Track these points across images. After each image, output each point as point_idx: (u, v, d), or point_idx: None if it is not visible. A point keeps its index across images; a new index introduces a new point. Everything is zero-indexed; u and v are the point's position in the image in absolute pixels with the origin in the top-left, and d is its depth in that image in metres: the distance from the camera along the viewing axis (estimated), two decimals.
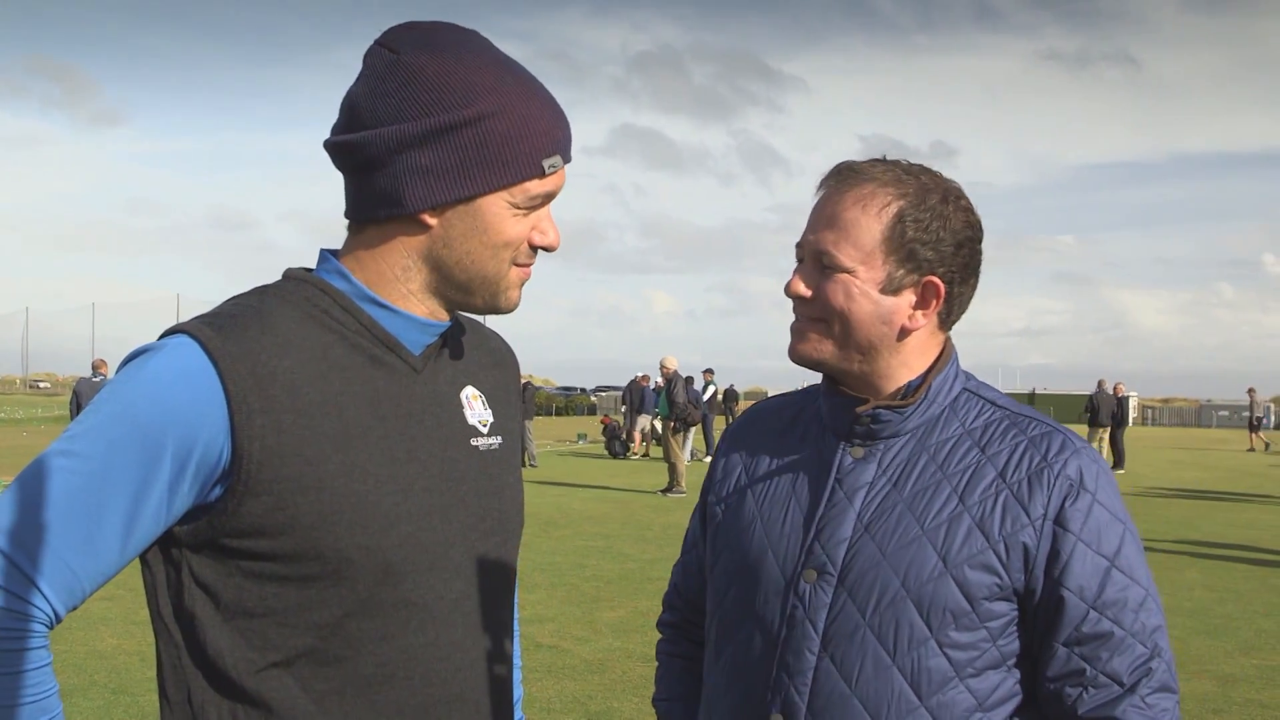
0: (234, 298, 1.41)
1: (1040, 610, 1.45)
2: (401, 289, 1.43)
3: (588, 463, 25.35)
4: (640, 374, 26.94)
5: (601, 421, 29.84)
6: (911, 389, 1.54)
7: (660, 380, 18.93)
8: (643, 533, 13.02)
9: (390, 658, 1.37)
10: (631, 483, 18.24)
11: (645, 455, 26.94)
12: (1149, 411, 71.49)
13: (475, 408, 1.54)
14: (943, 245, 1.50)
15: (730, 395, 42.70)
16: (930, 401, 1.54)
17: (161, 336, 1.33)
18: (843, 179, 1.54)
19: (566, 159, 1.44)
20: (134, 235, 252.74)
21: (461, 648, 1.44)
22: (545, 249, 1.47)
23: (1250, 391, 36.78)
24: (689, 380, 25.26)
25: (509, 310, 1.49)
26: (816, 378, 1.63)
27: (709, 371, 26.59)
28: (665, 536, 12.72)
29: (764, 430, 1.71)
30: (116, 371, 1.32)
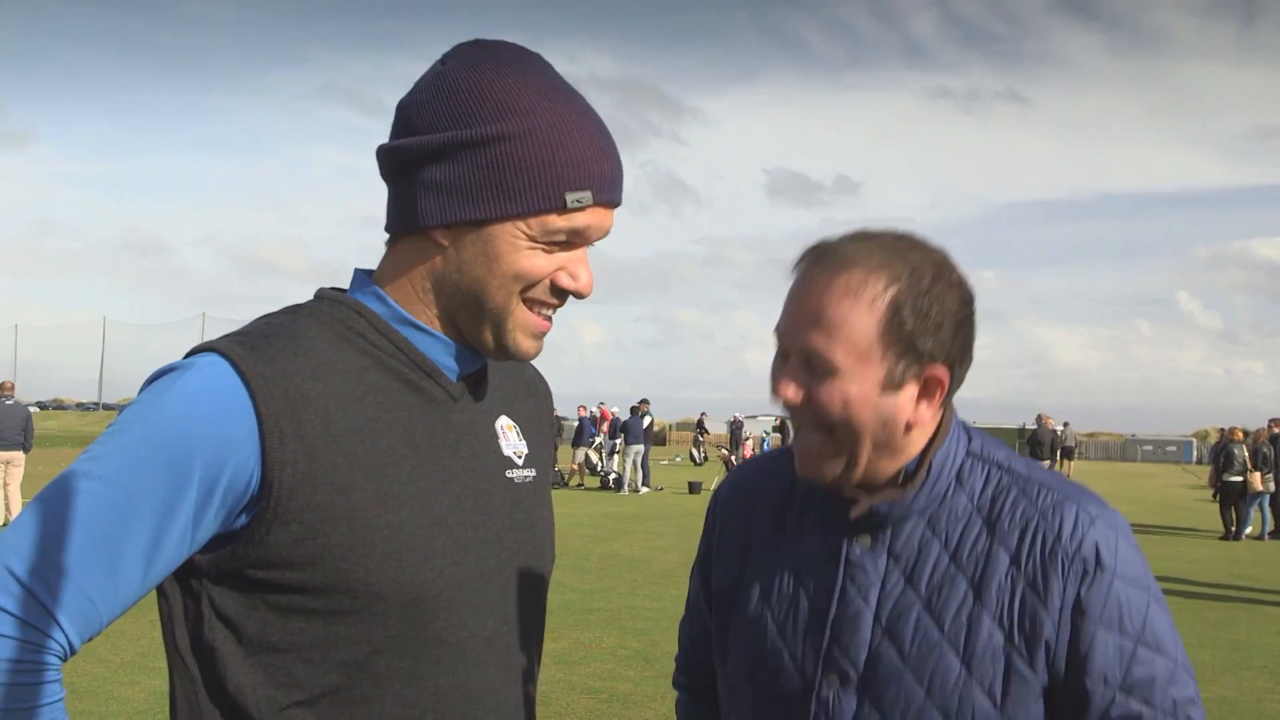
0: (264, 316, 1.34)
1: (1066, 700, 1.37)
2: (427, 313, 1.36)
3: None
4: (579, 405, 27.18)
5: None
6: (909, 473, 1.41)
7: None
8: (580, 563, 12.90)
9: (419, 699, 1.29)
10: (566, 512, 18.09)
11: (580, 485, 26.80)
12: (1076, 446, 72.83)
13: (510, 438, 1.47)
14: (942, 332, 1.36)
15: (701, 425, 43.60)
16: (934, 480, 1.41)
17: (189, 354, 1.26)
18: (823, 263, 1.37)
19: (606, 199, 1.33)
20: (49, 257, 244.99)
21: (492, 689, 1.36)
22: (573, 295, 1.36)
23: (1046, 419, 39.15)
24: (633, 411, 25.58)
25: (519, 358, 1.38)
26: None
27: (644, 402, 26.57)
28: (604, 567, 12.64)
29: (758, 503, 1.57)
30: (141, 390, 1.24)
